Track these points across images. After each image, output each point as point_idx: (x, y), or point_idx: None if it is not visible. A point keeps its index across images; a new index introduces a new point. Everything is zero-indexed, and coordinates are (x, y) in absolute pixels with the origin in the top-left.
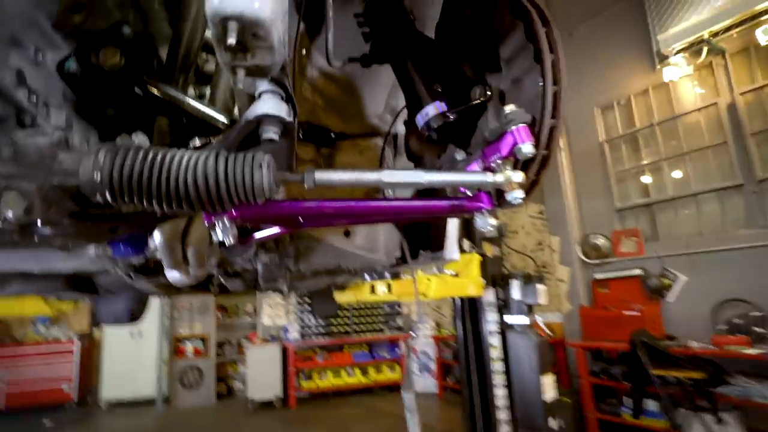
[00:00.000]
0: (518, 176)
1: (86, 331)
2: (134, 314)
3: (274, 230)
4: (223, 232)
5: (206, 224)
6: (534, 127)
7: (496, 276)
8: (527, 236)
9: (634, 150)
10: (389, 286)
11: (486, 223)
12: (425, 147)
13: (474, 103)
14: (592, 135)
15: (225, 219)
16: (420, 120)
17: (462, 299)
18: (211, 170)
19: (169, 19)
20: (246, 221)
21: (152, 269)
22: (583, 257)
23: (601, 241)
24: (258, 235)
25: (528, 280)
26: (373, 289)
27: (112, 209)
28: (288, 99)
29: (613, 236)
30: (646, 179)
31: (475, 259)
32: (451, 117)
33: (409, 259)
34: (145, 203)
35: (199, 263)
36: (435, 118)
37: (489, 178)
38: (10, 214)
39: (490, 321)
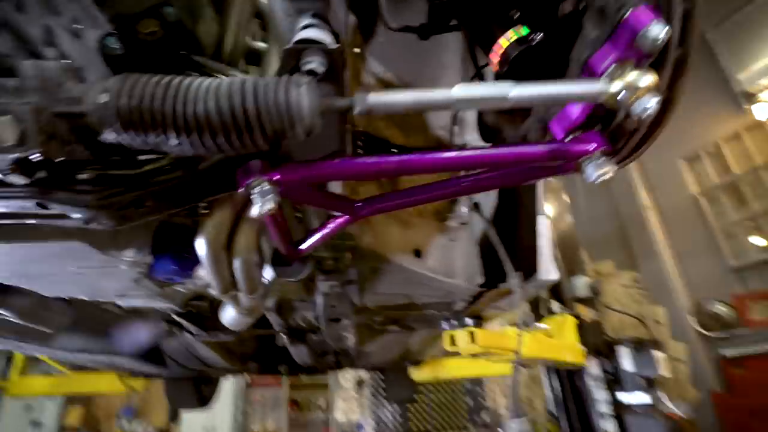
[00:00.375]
0: (647, 78)
1: (165, 427)
2: (205, 397)
3: (327, 230)
4: (261, 197)
5: (244, 196)
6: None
7: (598, 343)
8: (611, 331)
9: (738, 200)
10: (472, 336)
11: (600, 171)
12: (503, 117)
13: (564, 16)
14: (681, 188)
15: (264, 182)
16: (494, 57)
17: (560, 375)
18: (237, 91)
19: (218, 20)
20: (289, 187)
21: (207, 318)
22: (701, 330)
23: (720, 308)
24: (309, 242)
25: (640, 347)
26: (452, 341)
27: (134, 168)
28: (333, 32)
29: (734, 301)
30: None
31: (569, 321)
32: (536, 39)
33: (511, 273)
34: (162, 136)
35: (249, 284)
36: (513, 45)
37: (603, 85)
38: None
39: (600, 400)
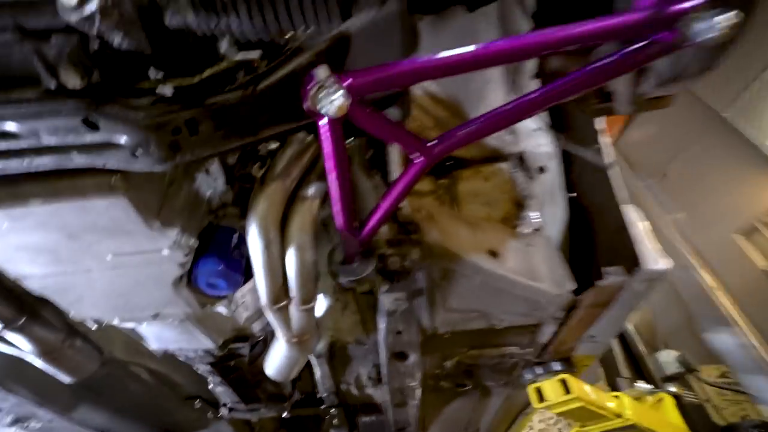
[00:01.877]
0: None
1: None
2: None
3: (399, 187)
4: (326, 96)
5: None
6: None
7: (706, 428)
8: (716, 413)
9: None
10: (565, 385)
11: (713, 26)
12: (568, 58)
13: None
14: (745, 264)
15: (334, 83)
16: None
17: None
18: None
19: None
20: (358, 91)
21: (248, 385)
22: None
23: None
24: (376, 216)
25: None
26: (540, 396)
27: (192, 74)
28: None
29: None
30: None
31: (667, 400)
32: None
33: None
34: (228, 12)
35: (303, 283)
36: None
37: None
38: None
39: None
